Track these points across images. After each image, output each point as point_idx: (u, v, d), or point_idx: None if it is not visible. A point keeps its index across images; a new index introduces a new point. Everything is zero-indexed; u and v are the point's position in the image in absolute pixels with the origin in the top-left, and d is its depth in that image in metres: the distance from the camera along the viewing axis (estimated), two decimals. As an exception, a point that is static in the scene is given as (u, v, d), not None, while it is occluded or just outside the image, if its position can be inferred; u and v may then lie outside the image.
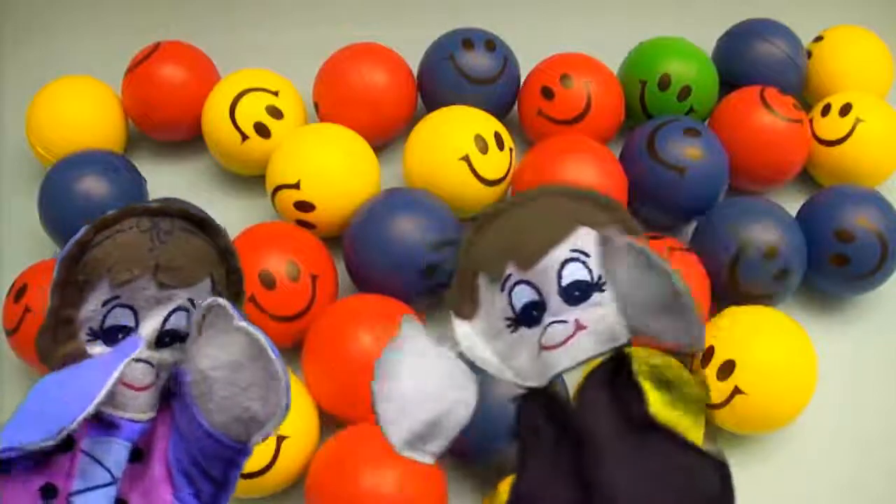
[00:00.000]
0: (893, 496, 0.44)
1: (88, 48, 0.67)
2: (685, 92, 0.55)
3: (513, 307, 0.26)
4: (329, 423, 0.43)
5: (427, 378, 0.26)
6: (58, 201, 0.49)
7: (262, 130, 0.53)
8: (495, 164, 0.50)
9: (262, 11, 0.71)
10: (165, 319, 0.25)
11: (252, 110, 0.53)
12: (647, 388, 0.24)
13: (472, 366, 0.26)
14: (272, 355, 0.23)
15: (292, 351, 0.45)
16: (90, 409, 0.21)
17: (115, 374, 0.22)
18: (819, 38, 0.61)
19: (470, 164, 0.49)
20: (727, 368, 0.42)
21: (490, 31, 0.57)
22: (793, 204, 0.52)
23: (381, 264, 0.45)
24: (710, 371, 0.42)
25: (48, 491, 0.22)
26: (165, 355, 0.25)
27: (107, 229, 0.26)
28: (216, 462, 0.24)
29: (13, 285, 0.45)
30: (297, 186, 0.48)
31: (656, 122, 0.52)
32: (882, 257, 0.47)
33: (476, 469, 0.43)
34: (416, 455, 0.26)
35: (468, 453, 0.41)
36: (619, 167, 0.51)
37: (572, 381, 0.26)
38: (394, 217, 0.46)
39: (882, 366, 0.49)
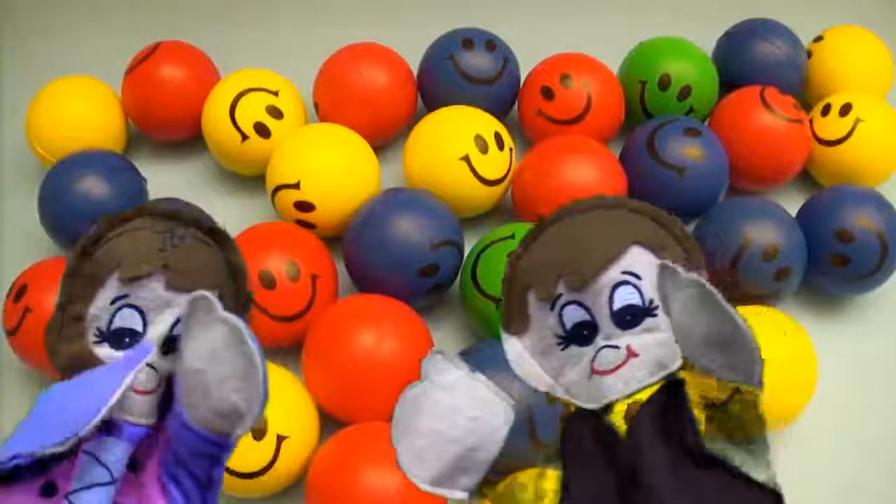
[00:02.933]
0: (893, 497, 0.44)
1: (88, 48, 0.67)
2: (685, 92, 0.55)
3: (563, 326, 0.26)
4: (329, 423, 0.43)
5: (452, 417, 0.25)
6: (58, 201, 0.49)
7: (262, 130, 0.53)
8: (495, 164, 0.50)
9: (262, 11, 0.71)
10: (173, 325, 0.25)
11: (252, 110, 0.53)
12: (700, 417, 0.23)
13: (514, 387, 0.25)
14: (250, 344, 0.22)
15: (292, 351, 0.45)
16: (103, 412, 0.21)
17: (128, 380, 0.22)
18: (819, 38, 0.61)
19: (470, 164, 0.49)
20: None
21: (490, 31, 0.57)
22: (793, 204, 0.52)
23: (381, 264, 0.45)
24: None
25: (48, 489, 0.22)
26: (169, 363, 0.25)
27: (121, 226, 0.25)
28: (200, 460, 0.23)
29: (13, 285, 0.45)
30: (297, 186, 0.48)
31: (656, 122, 0.52)
32: (882, 257, 0.47)
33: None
34: (446, 493, 0.25)
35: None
36: (619, 167, 0.51)
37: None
38: (394, 217, 0.46)
39: (882, 366, 0.49)
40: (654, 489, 0.22)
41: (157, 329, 0.25)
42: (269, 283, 0.43)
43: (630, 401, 0.24)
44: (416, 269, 0.45)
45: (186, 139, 0.58)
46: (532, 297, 0.26)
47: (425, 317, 0.45)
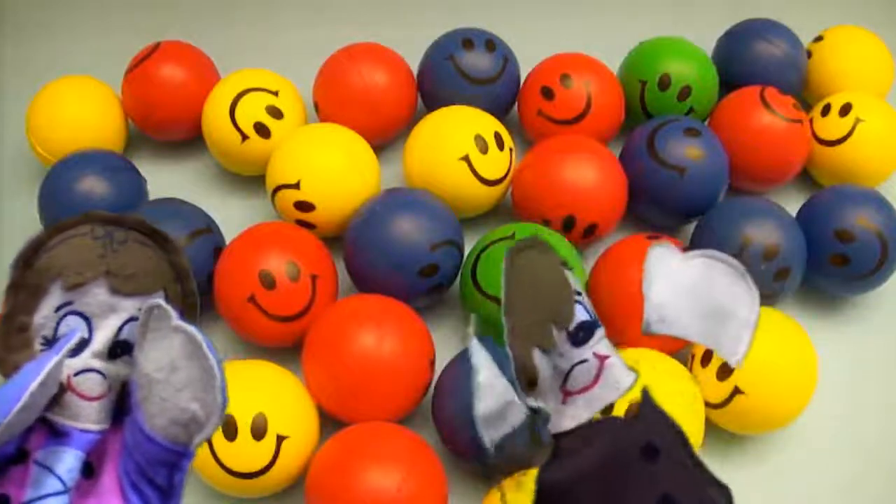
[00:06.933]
0: (893, 497, 0.44)
1: (88, 48, 0.67)
2: (685, 92, 0.55)
3: (576, 343, 0.27)
4: (329, 423, 0.43)
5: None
6: (58, 201, 0.49)
7: (262, 130, 0.53)
8: (495, 164, 0.50)
9: (262, 11, 0.71)
10: (119, 329, 0.25)
11: (252, 110, 0.53)
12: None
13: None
14: (208, 353, 0.22)
15: (292, 351, 0.45)
16: (25, 398, 0.21)
17: (51, 364, 0.22)
18: (819, 38, 0.61)
19: (470, 164, 0.49)
20: (727, 368, 0.42)
21: (490, 31, 0.57)
22: (793, 204, 0.52)
23: (381, 264, 0.45)
24: (710, 371, 0.42)
25: (1, 501, 0.22)
26: (119, 367, 0.25)
27: (61, 234, 0.25)
28: (160, 468, 0.23)
29: (13, 285, 0.45)
30: (297, 186, 0.48)
31: (656, 122, 0.52)
32: (882, 257, 0.47)
33: (476, 469, 0.43)
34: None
35: (468, 453, 0.41)
36: (619, 167, 0.51)
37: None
38: (394, 217, 0.46)
39: (882, 366, 0.49)
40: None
41: (103, 334, 0.25)
42: (269, 283, 0.43)
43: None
44: (416, 269, 0.45)
45: (186, 139, 0.58)
46: (536, 353, 0.27)
47: (425, 317, 0.45)
